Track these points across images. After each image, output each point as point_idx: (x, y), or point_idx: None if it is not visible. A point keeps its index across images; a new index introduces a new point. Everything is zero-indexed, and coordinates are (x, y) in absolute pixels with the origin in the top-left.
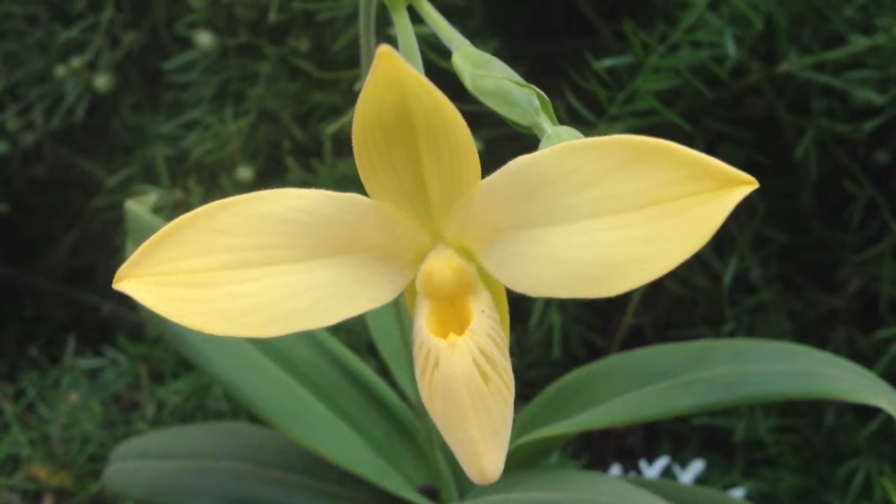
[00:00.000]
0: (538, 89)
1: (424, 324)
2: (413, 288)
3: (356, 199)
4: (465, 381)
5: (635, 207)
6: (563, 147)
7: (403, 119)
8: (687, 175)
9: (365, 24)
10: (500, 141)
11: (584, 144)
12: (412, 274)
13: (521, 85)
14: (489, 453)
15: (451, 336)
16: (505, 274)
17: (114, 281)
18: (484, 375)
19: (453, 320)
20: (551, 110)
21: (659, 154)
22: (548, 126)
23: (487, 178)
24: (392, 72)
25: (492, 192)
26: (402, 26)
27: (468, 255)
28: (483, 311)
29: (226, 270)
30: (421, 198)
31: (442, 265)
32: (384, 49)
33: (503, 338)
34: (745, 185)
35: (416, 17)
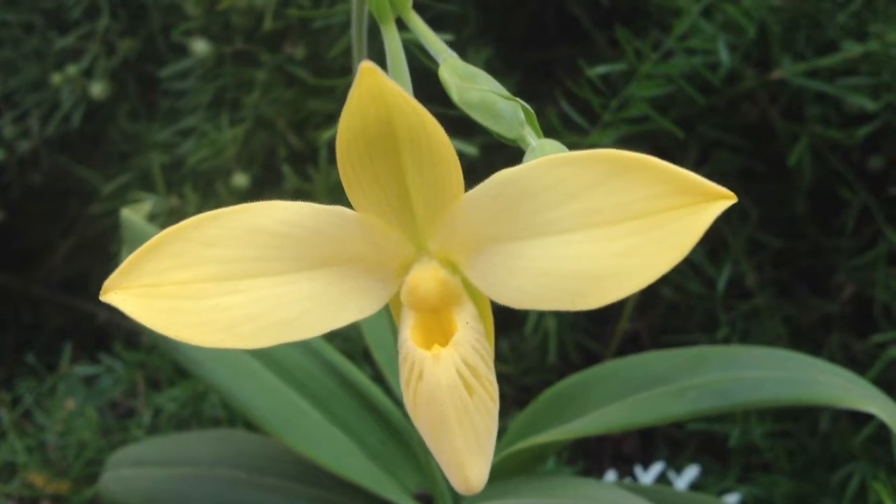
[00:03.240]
0: (523, 102)
1: (409, 335)
2: (399, 299)
3: (341, 211)
4: (449, 393)
5: (616, 221)
6: (545, 160)
7: (387, 134)
8: (667, 189)
9: (357, 33)
10: (494, 148)
11: (566, 158)
12: (397, 285)
13: (507, 98)
14: (473, 464)
15: (436, 348)
16: (489, 286)
17: (101, 293)
18: (468, 387)
19: (438, 332)
20: (536, 123)
21: (640, 168)
22: (532, 139)
23: (471, 191)
24: (375, 87)
25: (475, 205)
26: (391, 38)
27: (452, 267)
28: (467, 323)
29: (213, 282)
30: (405, 210)
31: (426, 277)
32: (366, 65)
33: (488, 349)
34: (723, 199)
35: (404, 25)
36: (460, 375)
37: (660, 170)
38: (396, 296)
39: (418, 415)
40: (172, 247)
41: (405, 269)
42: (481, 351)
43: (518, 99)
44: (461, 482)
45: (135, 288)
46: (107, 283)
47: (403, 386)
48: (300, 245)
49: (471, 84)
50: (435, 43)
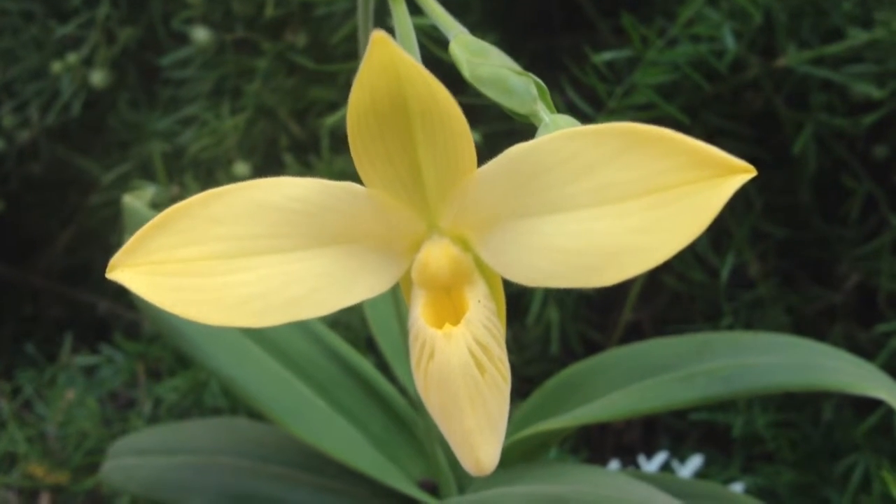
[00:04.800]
0: (536, 77)
1: (420, 314)
2: (409, 277)
3: (351, 187)
4: (461, 372)
5: (633, 196)
6: (560, 135)
7: (398, 106)
8: (685, 163)
9: (363, 16)
10: (500, 136)
11: (581, 132)
12: (408, 263)
13: (519, 73)
14: (485, 444)
15: (447, 326)
16: (501, 263)
17: (107, 270)
18: (480, 366)
19: (449, 310)
20: (549, 99)
21: (656, 142)
22: (545, 114)
23: (484, 167)
24: (387, 58)
25: (488, 181)
26: (400, 16)
27: (464, 245)
28: (479, 301)
29: (220, 259)
30: (416, 186)
31: (438, 254)
32: (379, 35)
33: (499, 328)
34: (742, 172)
35: (414, 9)
36: (472, 354)
37: (677, 143)
38: (407, 274)
39: (429, 395)
40: (179, 224)
41: (416, 246)
42: (493, 330)
43: (530, 74)
44: (472, 463)
45: (141, 265)
46: (113, 261)
47: (414, 366)
48: (309, 222)
49: (482, 59)
50: (445, 19)
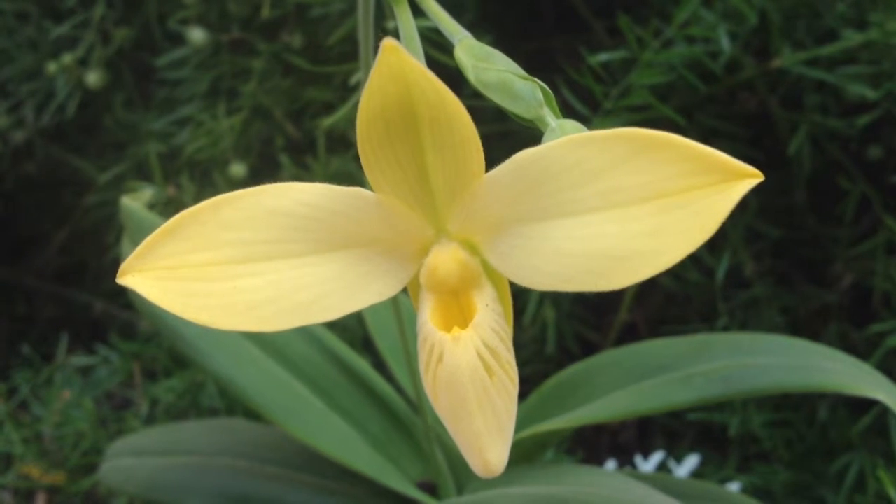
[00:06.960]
0: (541, 82)
1: (428, 318)
2: (417, 282)
3: (360, 193)
4: (470, 375)
5: (640, 200)
6: (567, 140)
7: (407, 112)
8: (692, 168)
9: (364, 17)
10: (495, 137)
11: (588, 137)
12: (416, 268)
13: (524, 78)
14: (494, 446)
15: (456, 330)
16: (509, 267)
17: (118, 275)
18: (488, 369)
19: (457, 314)
20: (554, 103)
21: (664, 147)
22: (551, 119)
23: (492, 172)
24: (397, 65)
25: (496, 186)
26: (404, 19)
27: (472, 249)
28: (487, 305)
29: (231, 265)
30: (425, 191)
31: (446, 259)
32: (389, 42)
33: (507, 331)
34: (749, 177)
35: (415, 11)
36: (480, 357)
37: (684, 148)
38: (415, 278)
39: (438, 398)
40: (190, 229)
41: (424, 251)
42: (501, 333)
43: (535, 79)
44: (481, 465)
45: (152, 270)
46: (124, 266)
47: (422, 369)
48: (318, 227)
49: (487, 64)
50: (449, 24)
